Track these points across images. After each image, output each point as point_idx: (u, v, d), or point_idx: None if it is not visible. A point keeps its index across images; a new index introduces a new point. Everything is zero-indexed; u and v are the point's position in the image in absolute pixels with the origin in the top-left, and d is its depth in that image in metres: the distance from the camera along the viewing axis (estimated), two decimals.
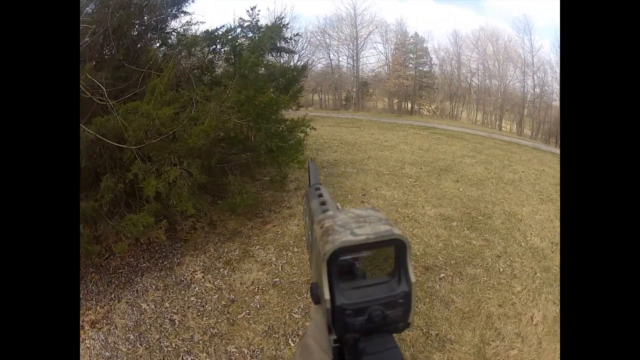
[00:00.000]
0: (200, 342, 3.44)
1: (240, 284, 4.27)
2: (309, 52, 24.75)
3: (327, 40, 24.73)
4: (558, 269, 5.09)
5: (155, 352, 3.36)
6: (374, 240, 0.45)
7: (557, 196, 8.45)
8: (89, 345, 3.43)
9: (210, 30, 5.78)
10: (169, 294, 4.11)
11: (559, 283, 4.78)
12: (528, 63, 20.01)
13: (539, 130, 20.11)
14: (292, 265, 4.76)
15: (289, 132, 6.07)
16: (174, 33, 5.95)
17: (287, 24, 6.69)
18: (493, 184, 8.82)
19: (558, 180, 9.84)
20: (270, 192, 6.81)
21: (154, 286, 4.21)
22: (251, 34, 6.07)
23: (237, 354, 3.31)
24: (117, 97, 4.12)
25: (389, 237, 0.45)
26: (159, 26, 5.68)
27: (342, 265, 0.47)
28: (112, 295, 4.04)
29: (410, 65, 23.39)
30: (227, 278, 4.41)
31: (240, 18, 6.50)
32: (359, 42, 23.99)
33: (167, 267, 4.55)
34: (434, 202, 7.23)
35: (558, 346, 3.74)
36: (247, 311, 3.86)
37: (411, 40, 23.37)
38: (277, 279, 4.41)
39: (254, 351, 3.31)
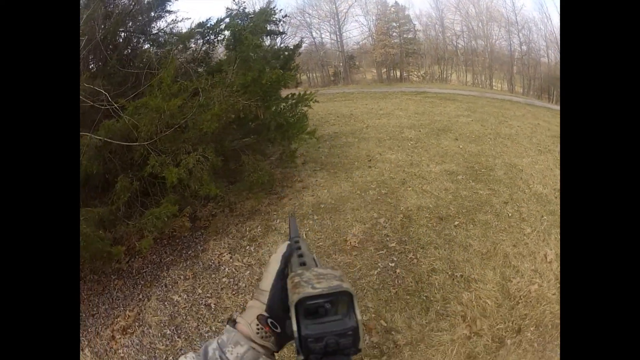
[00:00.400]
0: None
1: (269, 256, 4.40)
2: (291, 33, 24.58)
3: (308, 19, 24.52)
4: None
5: (195, 340, 3.46)
6: (327, 292, 0.61)
7: (554, 147, 8.70)
8: (122, 355, 3.42)
9: (201, 22, 5.93)
10: (200, 281, 4.19)
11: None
12: (512, 22, 20.02)
13: (530, 86, 20.22)
14: (315, 232, 4.94)
15: (293, 108, 6.25)
16: (160, 33, 6.07)
17: (275, 7, 6.89)
18: (491, 139, 9.03)
19: (554, 133, 10.14)
20: (280, 170, 6.94)
21: (182, 277, 4.27)
22: (240, 22, 6.19)
23: None
24: (117, 101, 4.16)
25: (338, 290, 0.61)
26: (146, 29, 5.83)
27: (310, 308, 0.62)
28: (141, 296, 4.06)
29: (395, 34, 23.31)
30: (254, 254, 4.55)
31: (228, 8, 6.68)
32: (340, 17, 23.82)
33: (193, 256, 4.61)
34: (438, 160, 7.44)
35: None
36: None
37: (392, 9, 23.24)
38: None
39: None
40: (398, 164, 7.21)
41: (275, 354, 0.80)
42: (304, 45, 25.17)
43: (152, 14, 5.85)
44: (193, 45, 6.14)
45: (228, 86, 4.60)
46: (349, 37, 25.04)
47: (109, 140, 3.90)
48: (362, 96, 17.82)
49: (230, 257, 4.50)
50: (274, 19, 7.06)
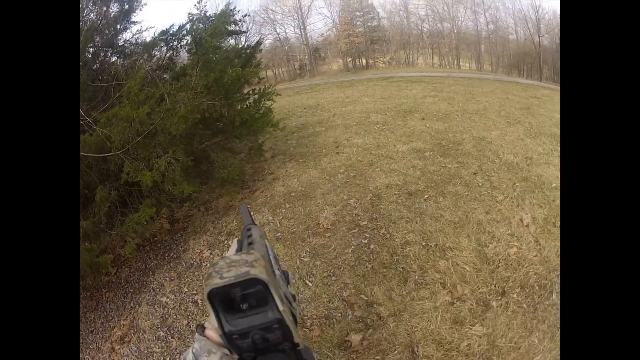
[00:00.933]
0: None
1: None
2: (254, 31, 24.41)
3: (271, 16, 24.30)
4: (537, 179, 5.22)
5: (187, 337, 3.51)
6: (235, 281, 0.54)
7: (523, 119, 8.68)
8: None
9: (164, 30, 5.97)
10: (184, 280, 4.23)
11: (540, 190, 4.91)
12: (478, 3, 20.06)
13: (499, 63, 20.31)
14: (288, 219, 4.92)
15: (256, 103, 6.32)
16: (127, 44, 6.10)
17: (234, 8, 6.90)
18: (458, 116, 8.92)
19: (523, 105, 10.17)
20: (250, 165, 6.93)
21: (167, 278, 4.31)
22: (201, 25, 6.23)
23: None
24: (89, 115, 4.23)
25: (245, 278, 0.54)
26: (113, 41, 5.82)
27: (226, 301, 0.56)
28: (132, 304, 4.09)
29: (359, 22, 23.21)
30: None
31: (189, 13, 6.68)
32: (303, 11, 23.62)
33: (175, 257, 4.66)
34: (404, 140, 7.28)
35: (557, 243, 3.87)
36: None
37: None
38: (279, 234, 4.60)
39: None
40: (365, 148, 7.05)
41: None
42: (268, 41, 25.25)
43: (118, 26, 5.89)
44: (158, 53, 6.14)
45: (192, 88, 4.75)
46: (313, 29, 24.98)
47: (85, 154, 4.00)
48: (328, 87, 17.70)
49: (210, 253, 4.58)
50: (234, 19, 7.03)
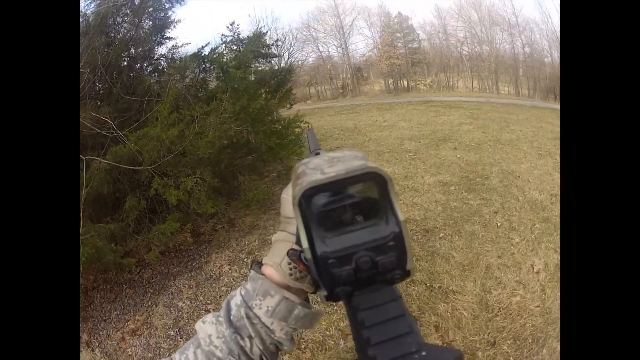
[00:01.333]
0: None
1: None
2: (297, 48, 24.90)
3: (314, 34, 24.80)
4: (557, 219, 5.24)
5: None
6: (345, 176, 0.41)
7: (554, 150, 8.56)
8: (130, 353, 3.72)
9: (197, 50, 6.12)
10: (202, 289, 4.47)
11: (558, 232, 4.93)
12: (513, 24, 19.82)
13: (536, 88, 19.94)
14: None
15: (285, 129, 6.46)
16: (162, 59, 6.38)
17: (266, 32, 7.39)
18: (491, 147, 8.97)
19: (556, 135, 9.95)
20: (279, 186, 6.93)
21: (186, 286, 4.55)
22: (235, 47, 6.72)
23: None
24: (124, 126, 4.48)
25: (362, 172, 0.41)
26: (147, 55, 6.10)
27: (329, 214, 0.43)
28: (149, 303, 4.36)
29: (399, 44, 23.37)
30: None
31: (222, 34, 7.18)
32: (344, 30, 24.03)
33: (197, 267, 4.89)
34: (433, 171, 7.42)
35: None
36: None
37: (395, 20, 23.35)
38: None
39: None
40: (394, 177, 7.04)
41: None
42: (311, 58, 25.68)
43: (153, 39, 6.11)
44: (190, 74, 6.25)
45: (221, 113, 4.88)
46: (355, 49, 25.26)
47: (117, 164, 4.22)
48: (368, 108, 17.86)
49: (229, 269, 4.76)
50: (266, 44, 7.31)
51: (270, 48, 7.81)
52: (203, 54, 6.14)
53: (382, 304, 0.45)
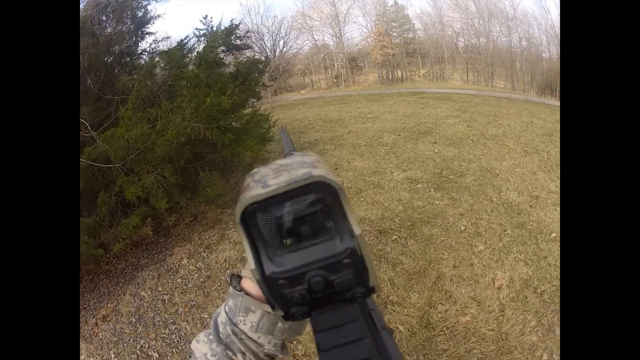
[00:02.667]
0: (183, 313, 3.98)
1: (216, 262, 4.74)
2: (292, 37, 24.36)
3: (309, 22, 24.12)
4: (534, 225, 4.67)
5: (149, 327, 3.90)
6: (287, 189, 0.37)
7: (542, 147, 7.93)
8: (101, 337, 3.92)
9: (175, 46, 6.50)
10: (162, 281, 4.64)
11: (534, 240, 4.36)
12: (511, 17, 18.98)
13: (532, 82, 19.18)
14: None
15: (244, 126, 6.58)
16: (142, 55, 6.75)
17: (239, 24, 7.39)
18: (473, 141, 8.36)
19: (546, 131, 9.33)
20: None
21: (150, 277, 4.74)
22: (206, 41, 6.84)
23: (208, 319, 3.68)
24: (102, 124, 4.89)
25: (305, 182, 0.37)
26: (126, 52, 6.40)
27: (276, 230, 0.39)
28: (120, 292, 4.60)
29: (395, 33, 22.61)
30: (206, 260, 4.87)
31: (196, 28, 7.22)
32: (339, 18, 23.29)
33: (161, 260, 5.06)
34: (404, 167, 6.88)
35: (528, 317, 3.30)
36: (219, 284, 4.31)
37: (391, 9, 22.53)
38: (245, 254, 4.60)
39: None
40: (362, 172, 6.74)
41: None
42: (306, 48, 25.14)
43: (133, 37, 6.51)
44: (161, 71, 6.41)
45: (184, 111, 5.08)
46: (350, 38, 24.60)
47: (91, 163, 4.48)
48: (359, 99, 17.31)
49: (188, 262, 4.89)
50: (238, 36, 7.53)
51: (243, 40, 7.84)
52: (172, 51, 6.31)
53: (340, 325, 0.40)
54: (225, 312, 0.60)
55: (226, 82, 6.11)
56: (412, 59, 22.76)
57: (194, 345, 0.61)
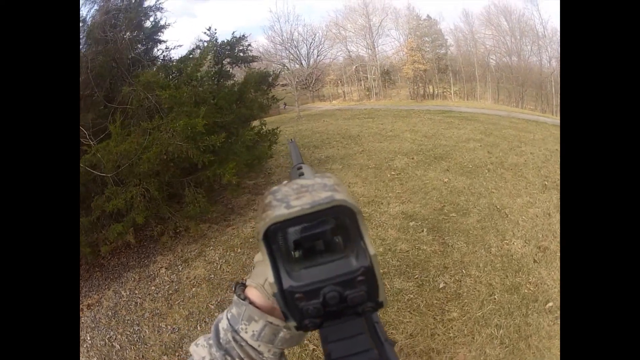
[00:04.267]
0: (147, 318, 4.14)
1: (186, 278, 4.78)
2: (327, 46, 24.02)
3: (342, 32, 23.65)
4: (532, 290, 3.88)
5: (120, 323, 4.15)
6: (310, 210, 0.39)
7: None
8: (83, 321, 4.25)
9: (163, 64, 6.52)
10: (140, 284, 4.79)
11: (523, 312, 3.59)
12: (541, 35, 17.78)
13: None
14: (229, 264, 4.98)
15: (234, 145, 6.28)
16: (157, 61, 6.76)
17: (242, 37, 7.21)
18: (489, 171, 7.56)
19: None
20: (246, 197, 6.96)
21: (132, 279, 4.91)
22: (210, 53, 6.66)
23: (164, 328, 3.94)
24: (104, 131, 4.96)
25: (328, 205, 0.39)
26: (138, 59, 6.30)
27: (296, 247, 0.42)
28: (106, 287, 4.83)
29: (427, 48, 21.71)
30: (179, 273, 4.92)
31: (200, 40, 6.91)
32: (372, 30, 22.66)
33: (145, 265, 5.18)
34: (405, 198, 6.20)
35: None
36: (182, 299, 4.39)
37: (424, 23, 21.64)
38: (212, 275, 4.77)
39: (173, 328, 3.91)
40: (357, 200, 6.01)
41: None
42: (342, 58, 24.71)
43: (143, 46, 6.57)
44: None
45: (172, 127, 5.06)
46: (384, 50, 23.96)
47: (89, 169, 4.58)
48: (385, 114, 16.62)
49: (165, 272, 4.96)
50: (242, 49, 7.34)
51: (246, 52, 7.50)
52: (170, 65, 6.38)
53: (350, 337, 0.45)
54: (227, 318, 0.60)
55: (224, 96, 6.16)
56: (444, 75, 21.84)
57: (192, 348, 0.62)
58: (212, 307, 4.17)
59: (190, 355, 0.62)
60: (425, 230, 5.06)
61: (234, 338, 0.58)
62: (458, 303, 3.68)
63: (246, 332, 0.58)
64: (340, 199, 0.38)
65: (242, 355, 0.58)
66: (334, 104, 23.98)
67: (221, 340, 0.59)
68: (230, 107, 6.28)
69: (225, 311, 0.62)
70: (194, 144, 5.19)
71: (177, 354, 3.61)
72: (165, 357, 3.57)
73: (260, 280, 0.59)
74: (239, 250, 5.24)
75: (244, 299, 0.59)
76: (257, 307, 0.58)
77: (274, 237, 0.40)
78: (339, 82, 25.59)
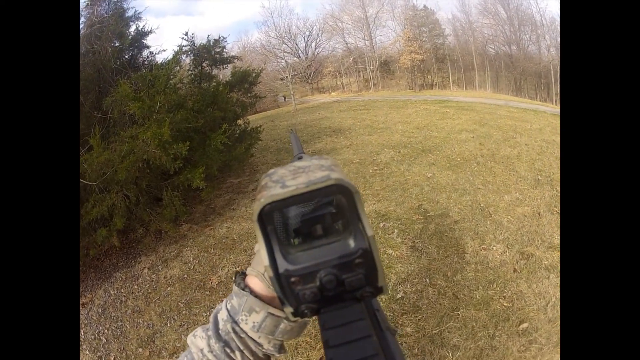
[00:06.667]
0: (129, 314, 4.27)
1: (164, 277, 4.85)
2: (324, 39, 23.53)
3: (339, 24, 23.08)
4: (504, 305, 3.36)
5: (107, 319, 4.26)
6: (306, 190, 0.36)
7: (559, 176, 6.43)
8: None
9: (148, 68, 6.47)
10: (126, 284, 4.89)
11: (490, 332, 3.10)
12: (539, 24, 17.06)
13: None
14: (201, 264, 5.01)
15: (206, 150, 6.31)
16: (142, 66, 6.79)
17: (222, 38, 7.34)
18: (479, 164, 7.00)
19: None
20: (228, 196, 6.99)
21: (120, 278, 5.00)
22: (189, 58, 7.08)
23: (141, 324, 4.06)
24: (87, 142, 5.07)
25: (324, 184, 0.36)
26: (131, 62, 6.52)
27: (291, 229, 0.40)
28: (98, 286, 4.94)
29: (425, 38, 21.05)
30: (159, 273, 4.98)
31: (178, 45, 6.78)
32: (369, 22, 22.07)
33: (131, 265, 5.27)
34: (382, 195, 5.72)
35: None
36: (158, 297, 4.47)
37: (421, 13, 20.98)
38: (186, 275, 4.82)
39: (149, 324, 4.03)
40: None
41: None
42: (340, 50, 24.23)
43: (130, 52, 6.69)
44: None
45: (147, 136, 5.09)
46: (381, 42, 23.37)
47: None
48: (382, 105, 16.09)
49: (147, 272, 5.03)
50: (218, 50, 7.38)
51: (224, 53, 7.58)
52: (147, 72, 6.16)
53: (349, 322, 0.39)
54: (227, 309, 0.58)
55: (198, 100, 6.30)
56: (443, 64, 21.16)
57: (190, 339, 0.60)
58: (182, 305, 4.25)
59: (188, 347, 0.60)
60: (396, 231, 4.56)
61: (233, 329, 0.56)
62: (414, 317, 3.18)
63: (246, 324, 0.55)
64: (336, 178, 0.35)
65: (242, 347, 0.56)
66: (333, 95, 23.52)
67: (220, 332, 0.56)
68: (206, 110, 6.32)
69: (225, 301, 0.59)
70: (164, 152, 5.20)
71: (149, 347, 3.75)
72: (140, 350, 3.70)
73: (261, 269, 0.56)
74: (212, 251, 5.27)
75: (244, 289, 0.56)
76: (257, 296, 0.55)
77: (269, 218, 0.37)
78: (337, 74, 25.10)
